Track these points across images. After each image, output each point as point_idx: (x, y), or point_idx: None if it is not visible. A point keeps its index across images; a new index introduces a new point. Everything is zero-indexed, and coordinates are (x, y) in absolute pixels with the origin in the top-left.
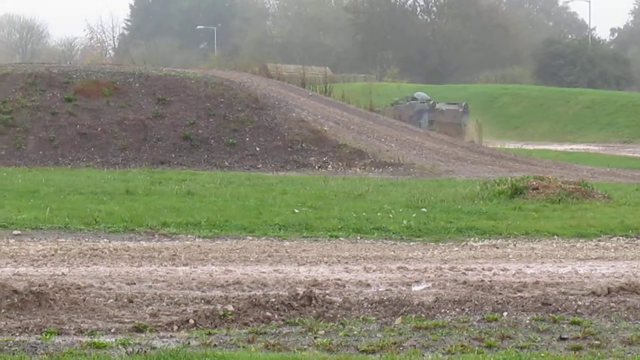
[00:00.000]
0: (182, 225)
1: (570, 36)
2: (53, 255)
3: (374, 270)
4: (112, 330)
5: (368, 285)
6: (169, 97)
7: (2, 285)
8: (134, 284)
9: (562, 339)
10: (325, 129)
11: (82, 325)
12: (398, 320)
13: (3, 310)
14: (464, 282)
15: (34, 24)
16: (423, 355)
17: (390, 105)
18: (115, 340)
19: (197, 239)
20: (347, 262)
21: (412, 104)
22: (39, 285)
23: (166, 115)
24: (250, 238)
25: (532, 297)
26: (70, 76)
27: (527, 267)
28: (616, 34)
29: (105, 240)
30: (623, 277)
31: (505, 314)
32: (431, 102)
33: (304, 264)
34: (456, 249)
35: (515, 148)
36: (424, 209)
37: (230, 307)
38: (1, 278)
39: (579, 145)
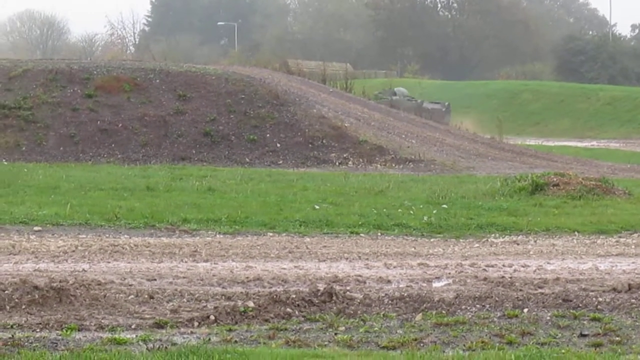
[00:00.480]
0: (202, 222)
1: (590, 32)
2: (74, 251)
3: (394, 267)
4: (133, 326)
5: (389, 281)
6: (189, 93)
7: (23, 281)
8: (155, 280)
9: (582, 335)
10: (346, 125)
11: (102, 321)
12: (419, 317)
13: (24, 306)
14: (485, 279)
15: (55, 20)
16: (443, 351)
17: (373, 98)
18: (136, 336)
19: (217, 235)
20: (367, 259)
21: (398, 100)
22: (60, 281)
23: (187, 112)
24: (270, 234)
25: (553, 293)
26: (91, 72)
27: (548, 263)
28: (637, 30)
29: (125, 236)
30: None
31: (525, 310)
32: (419, 100)
33: (324, 260)
34: (477, 245)
35: (536, 144)
36: (444, 205)
37: (250, 304)
38: (22, 274)
39: (600, 142)
